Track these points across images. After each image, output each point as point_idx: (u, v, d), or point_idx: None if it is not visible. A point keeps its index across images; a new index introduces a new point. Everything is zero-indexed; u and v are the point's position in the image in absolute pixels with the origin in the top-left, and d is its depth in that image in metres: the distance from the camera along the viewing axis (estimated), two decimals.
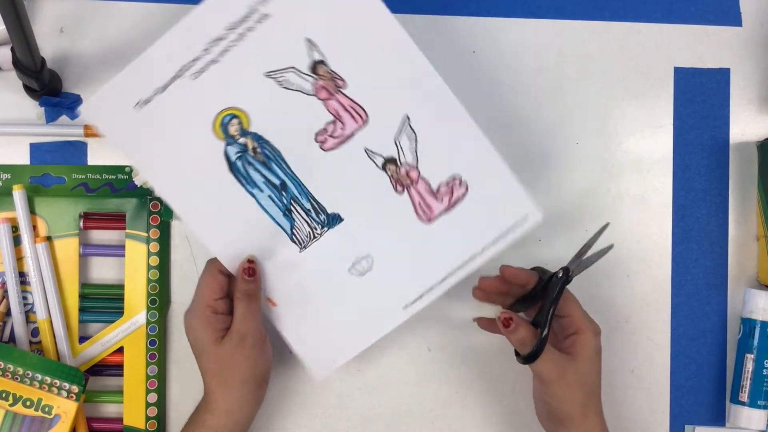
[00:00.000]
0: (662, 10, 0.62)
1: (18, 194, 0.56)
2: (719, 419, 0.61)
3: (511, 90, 0.61)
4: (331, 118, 0.50)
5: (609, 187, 0.61)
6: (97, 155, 0.59)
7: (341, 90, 0.49)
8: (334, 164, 0.51)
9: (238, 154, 0.51)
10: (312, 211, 0.52)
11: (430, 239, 0.52)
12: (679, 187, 0.61)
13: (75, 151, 0.59)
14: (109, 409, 0.58)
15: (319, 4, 0.47)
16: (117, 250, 0.58)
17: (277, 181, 0.51)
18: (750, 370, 0.59)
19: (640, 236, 0.61)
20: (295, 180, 0.51)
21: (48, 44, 0.59)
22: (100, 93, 0.49)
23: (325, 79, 0.49)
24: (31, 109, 0.59)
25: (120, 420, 0.57)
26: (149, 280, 0.57)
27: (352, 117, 0.50)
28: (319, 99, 0.49)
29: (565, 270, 0.51)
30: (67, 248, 0.57)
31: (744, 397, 0.59)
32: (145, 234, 0.57)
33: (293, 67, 0.49)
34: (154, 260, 0.58)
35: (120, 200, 0.58)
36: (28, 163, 0.59)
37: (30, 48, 0.52)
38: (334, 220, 0.52)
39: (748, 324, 0.59)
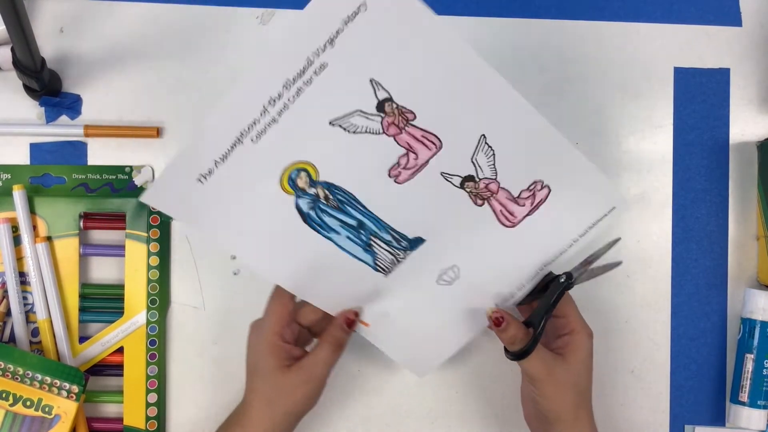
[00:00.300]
0: (662, 10, 0.62)
1: (18, 194, 0.56)
2: (719, 419, 0.61)
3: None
4: (403, 151, 0.48)
5: None
6: (97, 155, 0.59)
7: (411, 122, 0.47)
8: (410, 193, 0.49)
9: (311, 205, 0.49)
10: (393, 240, 0.51)
11: (516, 242, 0.52)
12: (679, 187, 0.61)
13: (75, 151, 0.59)
14: (109, 409, 0.58)
15: (380, 44, 0.44)
16: (117, 250, 0.58)
17: (353, 222, 0.50)
18: (750, 370, 0.59)
19: (640, 236, 0.61)
20: (372, 217, 0.50)
21: (48, 44, 0.59)
22: (162, 176, 0.46)
23: (393, 115, 0.46)
24: (31, 109, 0.59)
25: (120, 420, 0.57)
26: (149, 280, 0.57)
27: (425, 146, 0.48)
28: (389, 135, 0.47)
29: (568, 275, 0.51)
30: (67, 248, 0.57)
31: (744, 397, 0.59)
32: (145, 234, 0.58)
33: (359, 110, 0.46)
34: (154, 260, 0.58)
35: (120, 200, 0.58)
36: (28, 163, 0.59)
37: (30, 48, 0.52)
38: (416, 243, 0.51)
39: (748, 324, 0.59)
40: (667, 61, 0.62)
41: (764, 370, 0.58)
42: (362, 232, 0.50)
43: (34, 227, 0.57)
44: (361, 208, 0.50)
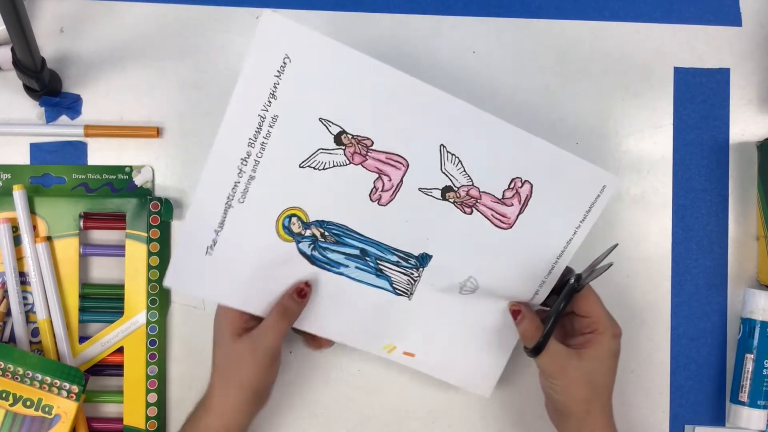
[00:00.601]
0: (662, 10, 0.62)
1: (18, 194, 0.56)
2: (719, 419, 0.61)
3: (511, 90, 0.61)
4: (376, 175, 0.50)
5: None
6: (97, 155, 0.59)
7: (371, 148, 0.49)
8: (398, 213, 0.51)
9: (311, 246, 0.52)
10: (401, 260, 0.53)
11: (518, 241, 0.52)
12: (679, 187, 0.61)
13: (75, 151, 0.59)
14: (109, 409, 0.58)
15: (315, 85, 0.47)
16: (117, 250, 0.58)
17: (356, 252, 0.52)
18: (750, 370, 0.59)
19: (640, 236, 0.61)
20: (371, 242, 0.52)
21: (48, 44, 0.59)
22: (175, 258, 0.51)
23: (352, 145, 0.49)
24: (31, 109, 0.59)
25: (120, 420, 0.57)
26: (149, 280, 0.57)
27: (393, 167, 0.50)
28: (356, 164, 0.50)
29: (577, 277, 0.52)
30: (67, 248, 0.57)
31: (744, 397, 0.59)
32: (145, 234, 0.57)
33: (320, 149, 0.49)
34: (155, 260, 0.58)
35: (120, 200, 0.58)
36: (28, 163, 0.59)
37: (30, 48, 0.52)
38: (424, 259, 0.53)
39: (748, 324, 0.59)
40: (667, 61, 0.62)
41: (764, 370, 0.58)
42: (368, 258, 0.52)
43: (34, 227, 0.57)
44: (358, 236, 0.52)
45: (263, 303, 0.52)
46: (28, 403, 0.53)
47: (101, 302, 0.58)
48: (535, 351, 0.51)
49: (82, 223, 0.58)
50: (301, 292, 0.52)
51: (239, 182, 0.49)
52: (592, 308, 0.53)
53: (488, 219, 0.52)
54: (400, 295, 0.53)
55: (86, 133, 0.59)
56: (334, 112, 0.48)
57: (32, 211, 0.57)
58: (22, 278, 0.57)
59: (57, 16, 0.60)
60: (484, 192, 0.51)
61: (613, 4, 0.62)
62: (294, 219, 0.51)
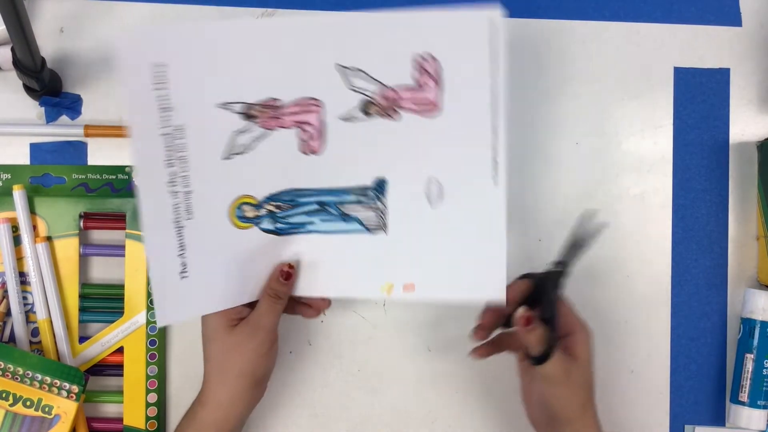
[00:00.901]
0: (662, 10, 0.62)
1: (18, 194, 0.56)
2: (719, 419, 0.61)
3: (511, 90, 0.61)
4: (297, 129, 0.49)
5: (609, 187, 0.61)
6: (97, 155, 0.59)
7: (279, 106, 0.49)
8: (335, 153, 0.50)
9: (271, 221, 0.51)
10: (359, 197, 0.51)
11: (455, 120, 0.50)
12: (679, 187, 0.62)
13: (75, 151, 0.59)
14: (109, 409, 0.58)
15: (198, 76, 0.47)
16: (117, 250, 0.58)
17: (315, 207, 0.51)
18: (750, 370, 0.59)
19: (640, 236, 0.61)
20: (323, 192, 0.51)
21: (48, 44, 0.59)
22: (156, 298, 0.50)
23: (261, 112, 0.49)
24: (31, 109, 0.59)
25: (120, 420, 0.57)
26: (149, 280, 0.57)
27: (309, 112, 0.49)
28: (274, 128, 0.49)
29: (560, 263, 0.50)
30: (67, 248, 0.57)
31: (744, 397, 0.59)
32: None
33: (234, 132, 0.49)
34: None
35: (120, 200, 0.58)
36: (28, 163, 0.59)
37: (30, 48, 0.52)
38: (381, 186, 0.51)
39: (748, 324, 0.59)
40: (667, 61, 0.62)
41: (764, 370, 0.58)
42: (329, 208, 0.51)
43: (34, 227, 0.57)
44: (309, 192, 0.51)
45: (252, 289, 0.52)
46: (28, 403, 0.53)
47: (101, 302, 0.58)
48: (544, 358, 0.49)
49: (82, 223, 0.58)
50: (286, 275, 0.51)
51: (178, 203, 0.49)
52: (562, 308, 0.52)
53: (417, 114, 0.50)
54: (376, 232, 0.52)
55: (86, 133, 0.59)
56: (228, 91, 0.48)
57: (32, 211, 0.57)
58: (22, 278, 0.57)
59: (57, 16, 0.60)
60: (399, 88, 0.49)
61: (613, 4, 0.62)
62: (244, 206, 0.51)
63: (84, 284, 0.59)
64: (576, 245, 0.51)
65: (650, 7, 0.62)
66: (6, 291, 0.56)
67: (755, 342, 0.59)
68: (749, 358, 0.59)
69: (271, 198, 0.51)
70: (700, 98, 0.62)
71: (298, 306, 0.54)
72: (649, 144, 0.62)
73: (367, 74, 0.49)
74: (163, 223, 0.49)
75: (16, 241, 0.57)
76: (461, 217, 0.52)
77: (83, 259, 0.59)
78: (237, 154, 0.49)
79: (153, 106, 0.46)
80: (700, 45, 0.62)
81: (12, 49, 0.54)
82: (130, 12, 0.60)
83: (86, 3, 0.60)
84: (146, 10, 0.60)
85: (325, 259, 0.52)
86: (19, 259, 0.57)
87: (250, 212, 0.51)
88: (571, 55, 0.61)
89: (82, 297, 0.58)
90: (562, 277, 0.51)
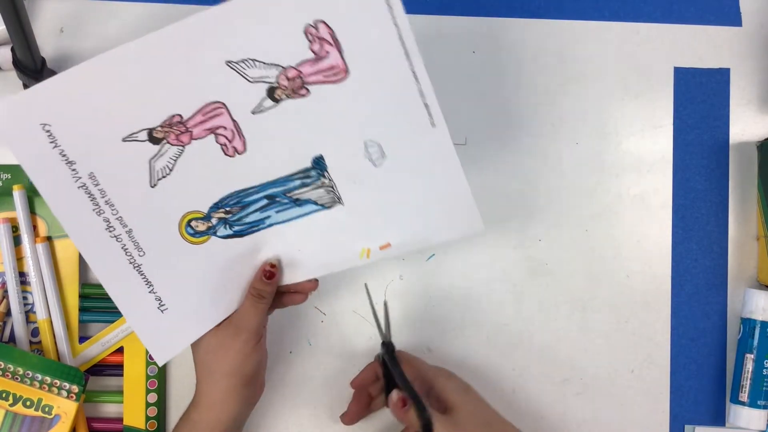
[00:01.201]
0: (662, 10, 0.62)
1: (18, 194, 0.56)
2: (719, 419, 0.61)
3: (511, 90, 0.61)
4: (210, 136, 0.48)
5: (609, 187, 0.61)
6: None
7: (185, 120, 0.47)
8: (260, 147, 0.49)
9: (226, 226, 0.51)
10: (304, 180, 0.51)
11: (368, 75, 0.48)
12: (679, 187, 0.61)
13: None
14: (109, 409, 0.58)
15: (90, 119, 0.46)
16: None
17: (264, 201, 0.51)
18: (750, 370, 0.59)
19: (640, 236, 0.61)
20: (265, 185, 0.50)
21: (48, 44, 0.59)
22: (147, 344, 0.51)
23: (167, 133, 0.47)
24: None
25: (120, 420, 0.57)
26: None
27: (217, 116, 0.48)
28: (188, 142, 0.48)
29: (383, 344, 0.52)
30: (67, 248, 0.57)
31: (744, 397, 0.59)
32: None
33: (149, 159, 0.48)
34: None
35: None
36: None
37: (30, 48, 0.52)
38: (319, 162, 0.50)
39: (748, 324, 0.59)
40: (667, 61, 0.62)
41: (764, 370, 0.58)
42: (278, 199, 0.51)
43: (34, 227, 0.57)
44: (253, 189, 0.50)
45: (239, 296, 0.52)
46: (28, 403, 0.53)
47: (101, 302, 0.58)
48: (429, 428, 0.48)
49: None
50: (269, 275, 0.51)
51: (125, 244, 0.48)
52: (412, 369, 0.53)
53: (325, 83, 0.48)
54: (332, 206, 0.52)
55: None
56: (127, 123, 0.47)
57: (32, 211, 0.57)
58: (22, 278, 0.57)
59: (57, 16, 0.60)
60: (299, 64, 0.47)
61: (613, 4, 0.62)
62: (192, 222, 0.50)
63: (84, 284, 0.59)
64: (385, 316, 0.53)
65: (650, 7, 0.62)
66: (6, 291, 0.56)
67: (755, 342, 0.59)
68: (749, 358, 0.59)
69: (216, 206, 0.50)
70: (700, 98, 0.62)
71: (286, 297, 0.54)
72: (649, 144, 0.62)
73: (261, 62, 0.47)
74: (119, 270, 0.48)
75: (16, 241, 0.57)
76: (409, 167, 0.51)
77: (83, 259, 0.59)
78: (162, 178, 0.48)
79: (58, 163, 0.45)
80: (700, 45, 0.62)
81: (12, 49, 0.54)
82: (130, 12, 0.60)
83: (86, 3, 0.60)
84: (146, 10, 0.60)
85: (295, 246, 0.52)
86: (19, 259, 0.57)
87: (200, 226, 0.50)
88: (571, 55, 0.61)
89: (82, 297, 0.58)
90: (393, 352, 0.52)
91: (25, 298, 0.57)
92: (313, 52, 0.47)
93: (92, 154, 0.46)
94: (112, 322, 0.58)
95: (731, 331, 0.61)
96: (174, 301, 0.50)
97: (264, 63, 0.47)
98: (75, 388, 0.54)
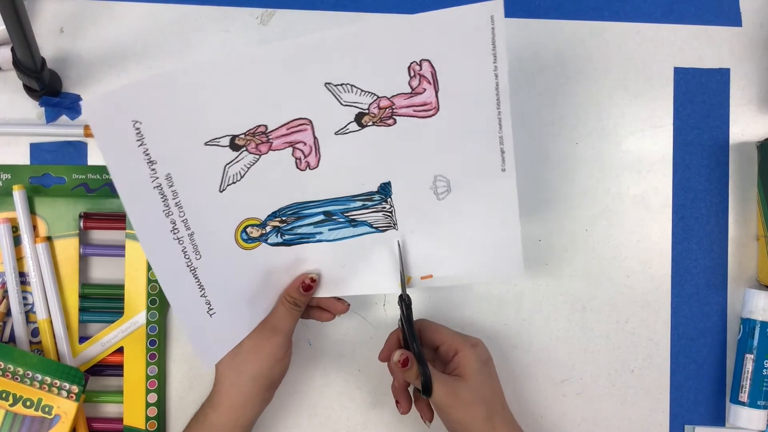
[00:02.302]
0: (662, 10, 0.62)
1: (18, 194, 0.56)
2: (719, 419, 0.61)
3: (511, 90, 0.61)
4: (288, 149, 0.49)
5: (609, 187, 0.61)
6: (97, 155, 0.59)
7: (268, 131, 0.48)
8: (334, 165, 0.50)
9: (278, 234, 0.52)
10: (365, 203, 0.52)
11: (455, 116, 0.50)
12: (679, 187, 0.61)
13: (75, 151, 0.59)
14: (109, 409, 0.58)
15: (178, 122, 0.46)
16: (117, 250, 0.58)
17: (320, 216, 0.52)
18: (750, 370, 0.59)
19: (640, 236, 0.61)
20: (327, 202, 0.52)
21: (48, 44, 0.59)
22: (196, 346, 0.51)
23: (249, 141, 0.48)
24: (31, 109, 0.59)
25: (120, 420, 0.57)
26: (149, 280, 0.57)
27: (300, 131, 0.49)
28: (266, 153, 0.49)
29: (400, 298, 0.52)
30: (67, 248, 0.57)
31: (744, 397, 0.59)
32: None
33: (225, 164, 0.48)
34: None
35: (120, 200, 0.58)
36: (28, 163, 0.59)
37: (30, 48, 0.52)
38: (385, 188, 0.52)
39: (748, 324, 0.59)
40: (667, 61, 0.62)
41: (764, 370, 0.58)
42: (335, 217, 0.52)
43: (34, 227, 0.57)
44: (313, 204, 0.51)
45: (270, 303, 0.53)
46: (28, 403, 0.53)
47: (101, 302, 0.58)
48: (426, 390, 0.49)
49: (82, 223, 0.58)
50: (307, 287, 0.52)
51: (185, 247, 0.49)
52: (439, 335, 0.53)
53: (414, 116, 0.50)
54: (385, 231, 0.53)
55: (86, 133, 0.59)
56: (213, 128, 0.47)
57: (32, 211, 0.57)
58: (22, 278, 0.57)
59: (57, 16, 0.60)
60: (394, 96, 0.49)
61: (613, 4, 0.62)
62: (249, 228, 0.51)
63: (84, 284, 0.59)
64: (402, 274, 0.53)
65: (650, 7, 0.62)
66: (6, 291, 0.56)
67: (755, 342, 0.59)
68: (749, 358, 0.59)
69: (274, 214, 0.51)
70: (700, 98, 0.62)
71: (313, 311, 0.55)
72: (649, 144, 0.62)
73: (359, 88, 0.48)
74: (177, 272, 0.49)
75: (16, 241, 0.57)
76: (470, 205, 0.52)
77: (83, 259, 0.59)
78: (231, 184, 0.49)
79: (140, 162, 0.45)
80: (700, 45, 0.62)
81: (12, 49, 0.54)
82: (130, 12, 0.60)
83: (86, 3, 0.60)
84: (146, 10, 0.60)
85: (338, 262, 0.53)
86: (19, 259, 0.57)
87: (255, 232, 0.51)
88: (571, 55, 0.61)
89: (82, 297, 0.58)
90: (409, 309, 0.52)
91: (25, 298, 0.57)
92: (410, 86, 0.49)
93: (173, 155, 0.46)
94: (112, 322, 0.58)
95: (731, 331, 0.61)
96: (221, 305, 0.51)
97: (361, 90, 0.48)
98: (75, 388, 0.54)
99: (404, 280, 0.53)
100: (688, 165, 0.62)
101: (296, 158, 0.50)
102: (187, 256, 0.49)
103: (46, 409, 0.54)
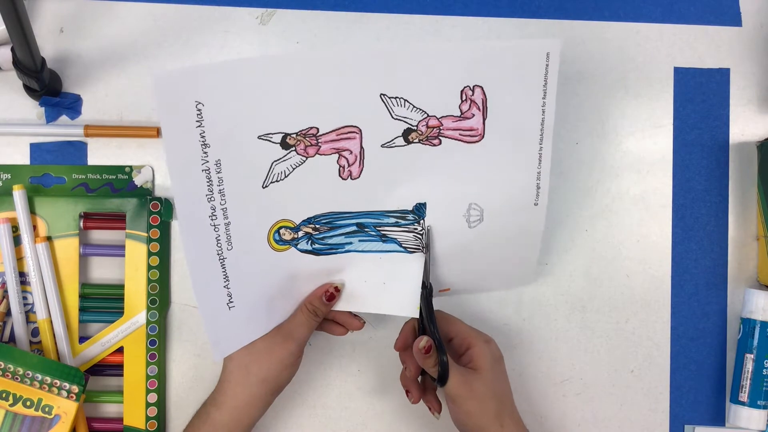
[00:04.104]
0: (662, 10, 0.62)
1: (18, 194, 0.56)
2: (719, 419, 0.61)
3: None
4: (337, 155, 0.50)
5: (609, 187, 0.61)
6: (97, 155, 0.59)
7: (319, 134, 0.49)
8: (374, 178, 0.51)
9: (308, 241, 0.52)
10: (398, 220, 0.52)
11: (498, 146, 0.51)
12: (679, 187, 0.61)
13: (75, 151, 0.59)
14: (109, 409, 0.58)
15: (238, 111, 0.46)
16: (117, 250, 0.58)
17: (353, 228, 0.52)
18: (750, 370, 0.59)
19: (640, 236, 0.61)
20: (362, 214, 0.52)
21: (48, 44, 0.59)
22: (209, 331, 0.51)
23: (299, 142, 0.49)
24: (31, 109, 0.59)
25: (120, 420, 0.57)
26: (149, 280, 0.57)
27: (349, 139, 0.50)
28: (313, 156, 0.49)
29: (423, 285, 0.52)
30: (67, 248, 0.57)
31: (744, 397, 0.59)
32: (145, 234, 0.57)
33: (273, 161, 0.49)
34: (154, 260, 0.58)
35: (120, 200, 0.58)
36: (28, 163, 0.59)
37: (30, 48, 0.52)
38: (420, 210, 0.52)
39: (748, 324, 0.59)
40: (667, 61, 0.62)
41: (764, 370, 0.58)
42: (367, 229, 0.52)
43: (34, 227, 0.57)
44: (348, 214, 0.52)
45: (289, 309, 0.54)
46: (28, 403, 0.53)
47: (101, 302, 0.58)
48: (442, 379, 0.49)
49: (82, 223, 0.58)
50: (330, 297, 0.52)
51: (219, 235, 0.49)
52: (453, 327, 0.53)
53: (458, 140, 0.51)
54: (413, 252, 0.53)
55: (86, 133, 0.59)
56: (268, 123, 0.48)
57: (32, 211, 0.57)
58: (22, 278, 0.57)
59: (57, 16, 0.60)
60: (443, 117, 0.50)
61: (613, 4, 0.62)
62: (282, 230, 0.51)
63: (84, 284, 0.59)
64: (426, 262, 0.53)
65: (650, 7, 0.62)
66: (6, 291, 0.56)
67: (755, 342, 0.59)
68: (749, 358, 0.59)
69: (309, 221, 0.52)
70: (700, 98, 0.62)
71: (328, 324, 0.55)
72: (649, 144, 0.62)
73: (411, 104, 0.49)
74: (207, 257, 0.49)
75: (16, 241, 0.57)
76: (499, 235, 0.54)
77: (83, 259, 0.59)
78: (275, 182, 0.50)
79: (195, 143, 0.46)
80: (700, 45, 0.62)
81: (12, 49, 0.54)
82: (130, 12, 0.60)
83: (86, 3, 0.60)
84: (146, 10, 0.60)
85: (362, 277, 0.53)
86: (19, 259, 0.57)
87: (287, 234, 0.51)
88: (571, 55, 0.61)
89: (82, 297, 0.58)
90: (430, 296, 0.52)
91: (25, 298, 0.57)
92: (460, 109, 0.50)
93: (226, 142, 0.47)
94: (112, 322, 0.58)
95: (731, 331, 0.61)
96: (242, 300, 0.51)
97: (413, 105, 0.49)
98: (75, 388, 0.54)
99: (428, 268, 0.53)
100: (688, 165, 0.62)
101: (340, 166, 0.50)
102: (219, 245, 0.49)
103: (46, 409, 0.54)
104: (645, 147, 0.61)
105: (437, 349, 0.49)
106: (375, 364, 0.60)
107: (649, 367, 0.61)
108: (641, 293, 0.61)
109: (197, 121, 0.45)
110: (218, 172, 0.47)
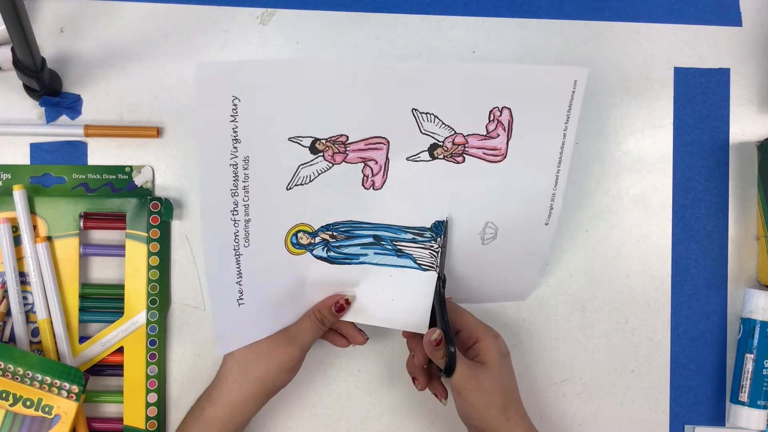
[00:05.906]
0: (662, 10, 0.62)
1: (18, 194, 0.56)
2: (719, 419, 0.61)
3: None
4: (362, 165, 0.50)
5: (609, 187, 0.61)
6: (97, 155, 0.59)
7: (348, 142, 0.49)
8: (396, 191, 0.51)
9: (324, 248, 0.52)
10: (415, 237, 0.53)
11: (518, 167, 0.52)
12: (679, 187, 0.61)
13: (75, 151, 0.59)
14: (109, 409, 0.58)
15: (272, 110, 0.47)
16: (117, 250, 0.58)
17: (369, 239, 0.53)
18: (750, 370, 0.59)
19: (640, 236, 0.61)
20: (380, 227, 0.52)
21: (48, 44, 0.59)
22: (218, 330, 0.51)
23: (328, 148, 0.49)
24: (31, 109, 0.59)
25: (120, 420, 0.57)
26: (149, 280, 0.57)
27: (375, 149, 0.50)
28: (339, 163, 0.50)
29: (437, 277, 0.52)
30: (67, 248, 0.57)
31: (744, 397, 0.59)
32: (146, 234, 0.57)
33: (300, 165, 0.49)
34: (155, 260, 0.58)
35: (120, 200, 0.58)
36: (28, 163, 0.59)
37: (30, 48, 0.52)
38: (438, 227, 0.53)
39: (748, 324, 0.59)
40: (667, 61, 0.62)
41: (764, 370, 0.58)
42: (383, 242, 0.52)
43: (34, 227, 0.57)
44: (366, 225, 0.52)
45: (296, 314, 0.54)
46: (28, 403, 0.53)
47: (101, 302, 0.58)
48: (449, 370, 0.49)
49: (82, 223, 0.58)
50: (339, 308, 0.53)
51: (238, 231, 0.49)
52: (462, 319, 0.53)
53: (482, 159, 0.52)
54: (426, 270, 0.53)
55: (86, 133, 0.59)
56: (299, 126, 0.48)
57: (32, 211, 0.57)
58: (22, 278, 0.57)
59: (57, 16, 0.60)
60: (469, 135, 0.51)
61: (613, 4, 0.62)
62: (300, 234, 0.52)
63: (84, 284, 0.59)
64: (442, 251, 0.53)
65: (650, 7, 0.62)
66: (6, 291, 0.56)
67: (755, 342, 0.59)
68: (749, 358, 0.59)
69: (327, 227, 0.52)
70: (700, 98, 0.62)
71: (331, 334, 0.55)
72: (649, 144, 0.62)
73: (441, 121, 0.50)
74: (224, 251, 0.49)
75: (16, 241, 0.57)
76: (508, 252, 0.55)
77: (83, 259, 0.59)
78: (299, 185, 0.50)
79: (226, 136, 0.46)
80: (700, 45, 0.62)
81: (12, 49, 0.54)
82: (130, 12, 0.60)
83: (86, 3, 0.60)
84: (146, 9, 0.60)
85: (372, 290, 0.53)
86: (19, 259, 0.57)
87: (304, 239, 0.52)
88: (571, 55, 0.61)
89: (82, 297, 0.58)
90: (443, 286, 0.52)
91: (25, 298, 0.57)
92: (486, 129, 0.51)
93: (257, 140, 0.47)
94: (112, 322, 0.58)
95: (731, 331, 0.61)
96: (252, 298, 0.51)
97: (442, 122, 0.50)
98: (75, 388, 0.54)
99: (444, 259, 0.53)
100: (688, 165, 0.62)
101: (364, 175, 0.51)
102: (237, 240, 0.49)
103: (46, 409, 0.54)
104: (645, 147, 0.62)
105: (446, 340, 0.49)
106: (375, 364, 0.60)
107: (649, 367, 0.61)
108: (641, 293, 0.61)
109: (232, 116, 0.46)
110: (245, 169, 0.48)
